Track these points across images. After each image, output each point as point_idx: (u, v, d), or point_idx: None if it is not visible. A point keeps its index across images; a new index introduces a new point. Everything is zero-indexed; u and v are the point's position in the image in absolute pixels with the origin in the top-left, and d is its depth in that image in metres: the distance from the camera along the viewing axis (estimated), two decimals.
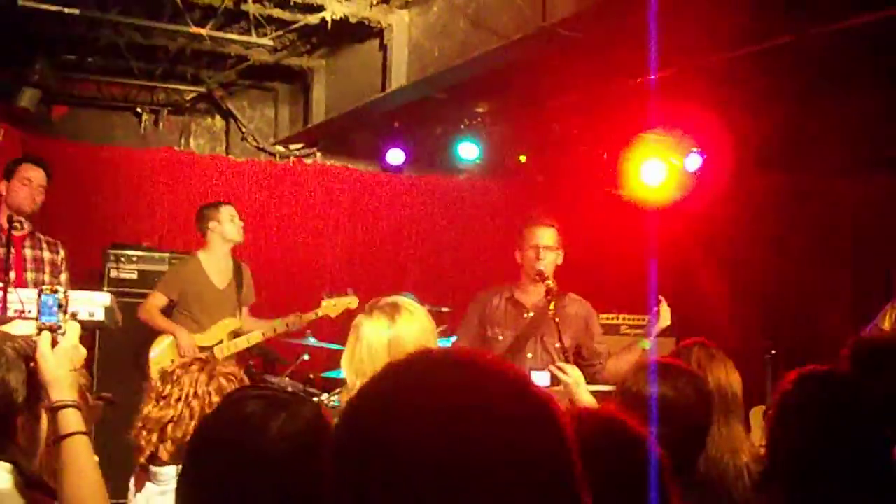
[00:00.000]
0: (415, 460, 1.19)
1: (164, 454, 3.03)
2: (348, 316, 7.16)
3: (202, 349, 6.89)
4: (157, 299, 7.35)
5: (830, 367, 3.02)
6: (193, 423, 2.96)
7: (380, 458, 1.21)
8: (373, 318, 3.62)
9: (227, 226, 7.43)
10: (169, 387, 3.06)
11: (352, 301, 7.51)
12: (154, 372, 6.79)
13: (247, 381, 3.21)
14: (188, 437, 2.92)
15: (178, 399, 3.03)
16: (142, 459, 3.09)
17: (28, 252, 6.39)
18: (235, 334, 7.39)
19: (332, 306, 7.49)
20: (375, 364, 3.38)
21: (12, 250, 6.17)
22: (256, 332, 7.42)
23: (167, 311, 7.38)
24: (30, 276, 6.27)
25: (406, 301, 3.74)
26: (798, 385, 2.82)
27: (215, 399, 2.99)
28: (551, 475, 1.24)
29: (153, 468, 3.05)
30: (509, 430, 1.22)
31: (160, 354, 7.11)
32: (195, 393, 3.03)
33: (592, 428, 1.83)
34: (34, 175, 6.40)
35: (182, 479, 2.06)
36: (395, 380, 1.31)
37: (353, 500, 1.23)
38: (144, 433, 3.05)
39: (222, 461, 1.97)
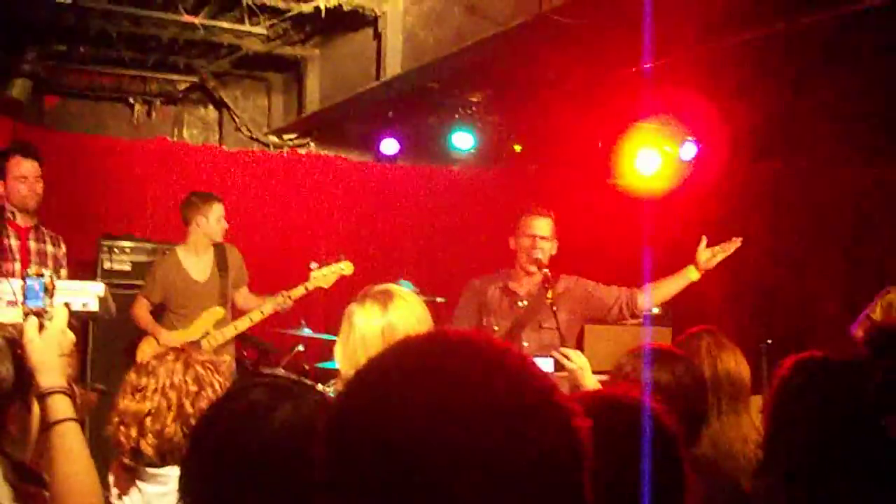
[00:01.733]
0: (407, 453, 1.14)
1: (146, 448, 2.91)
2: (343, 296, 7.11)
3: (190, 344, 6.82)
4: (142, 305, 7.27)
5: (827, 352, 2.99)
6: (172, 415, 2.89)
7: (370, 450, 1.17)
8: (365, 306, 3.57)
9: (214, 226, 7.30)
10: (145, 378, 2.97)
11: (345, 267, 7.38)
12: None
13: (225, 367, 3.13)
14: (167, 430, 2.88)
15: (155, 390, 2.93)
16: (125, 459, 3.01)
17: (32, 244, 6.32)
18: (221, 324, 7.31)
19: (322, 276, 7.32)
20: (369, 353, 3.29)
21: (16, 241, 6.12)
22: (244, 319, 7.29)
23: (157, 310, 7.32)
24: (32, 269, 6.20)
25: (398, 288, 3.69)
26: (795, 370, 2.80)
27: (193, 388, 2.93)
28: (551, 470, 1.18)
29: (150, 470, 2.97)
30: (508, 421, 1.17)
31: (144, 354, 7.02)
32: (171, 384, 2.93)
33: (605, 408, 1.80)
34: (27, 169, 6.27)
35: (185, 468, 2.03)
36: (388, 367, 1.26)
37: (345, 491, 1.19)
38: (122, 428, 2.95)
39: (226, 450, 1.93)
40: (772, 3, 6.04)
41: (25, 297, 2.77)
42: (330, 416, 1.26)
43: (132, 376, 3.01)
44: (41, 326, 2.67)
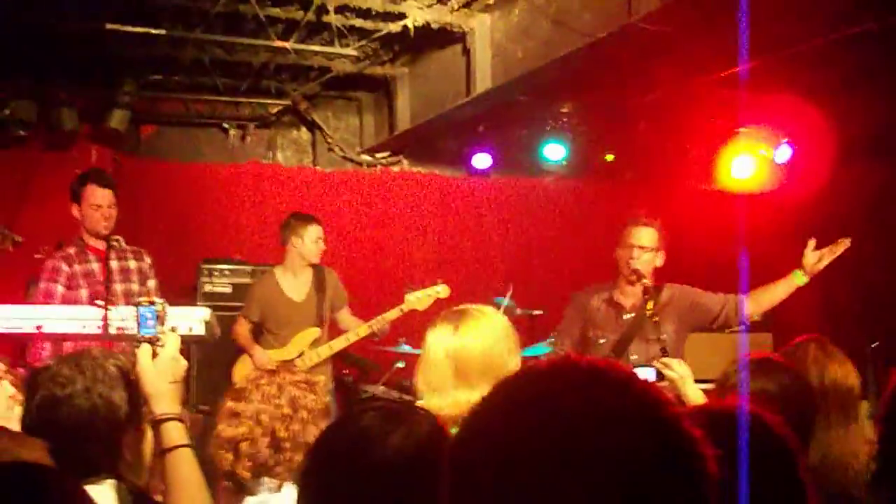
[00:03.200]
0: (531, 483, 1.14)
1: (242, 472, 2.99)
2: (425, 320, 7.14)
3: (284, 363, 6.85)
4: (242, 324, 7.40)
5: None
6: (266, 440, 2.96)
7: (495, 479, 1.17)
8: (436, 327, 3.53)
9: (310, 246, 7.36)
10: (241, 404, 3.04)
11: (441, 290, 7.38)
12: None
13: (320, 385, 3.17)
14: (260, 454, 2.95)
15: (249, 416, 3.00)
16: (225, 482, 3.08)
17: (114, 264, 6.39)
18: (317, 344, 7.37)
19: (416, 300, 7.34)
20: (439, 373, 3.31)
21: (97, 264, 6.24)
22: (339, 339, 7.33)
23: (256, 330, 7.41)
24: (118, 287, 6.28)
25: (476, 308, 3.60)
26: None
27: (287, 411, 2.99)
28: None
29: (251, 484, 3.02)
30: (634, 454, 1.16)
31: (239, 373, 7.13)
32: (265, 409, 3.01)
33: (723, 424, 1.77)
34: (101, 198, 6.32)
35: (301, 495, 2.05)
36: (513, 395, 1.26)
37: None
38: (221, 451, 3.04)
39: (341, 475, 1.95)
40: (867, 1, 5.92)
41: (139, 325, 2.83)
42: (454, 444, 1.27)
43: (228, 402, 3.07)
44: (154, 354, 2.73)
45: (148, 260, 6.65)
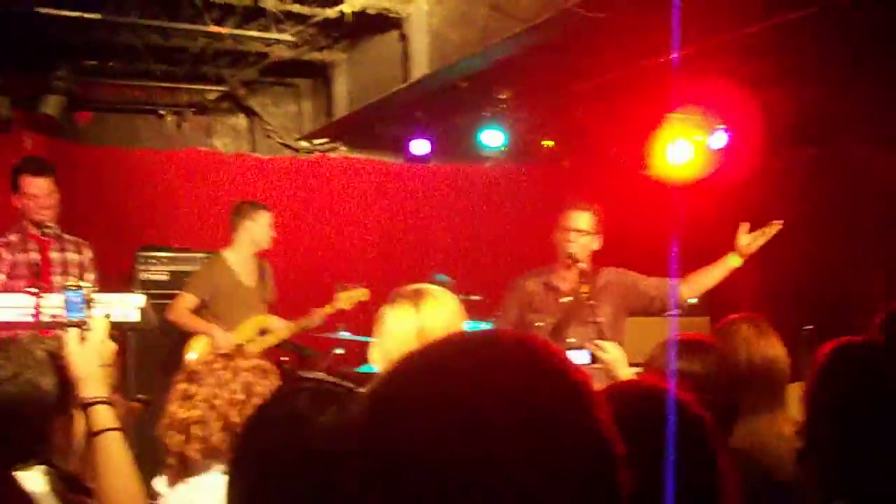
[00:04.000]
0: (433, 455, 1.14)
1: (192, 453, 2.98)
2: (380, 297, 7.17)
3: (238, 348, 6.82)
4: (187, 301, 7.27)
5: (865, 337, 2.96)
6: (219, 425, 2.95)
7: (401, 449, 1.17)
8: (396, 307, 3.53)
9: (262, 231, 7.37)
10: (193, 387, 3.02)
11: (362, 294, 7.59)
12: None
13: (274, 371, 3.17)
14: (213, 438, 2.94)
15: (202, 399, 2.98)
16: (172, 461, 3.07)
17: (55, 255, 6.32)
18: (264, 331, 7.38)
19: (346, 299, 7.55)
20: (404, 352, 3.32)
21: (37, 255, 6.16)
22: (284, 329, 7.41)
23: (195, 312, 7.35)
24: (57, 279, 6.20)
25: (430, 287, 3.64)
26: (834, 356, 2.77)
27: (240, 397, 2.97)
28: (582, 478, 1.16)
29: (199, 465, 3.03)
30: (536, 427, 1.15)
31: (197, 352, 7.05)
32: (219, 393, 2.99)
33: (634, 399, 1.79)
34: (37, 188, 6.20)
35: (230, 477, 2.04)
36: (418, 367, 1.27)
37: (379, 490, 1.19)
38: (171, 432, 3.03)
39: (270, 454, 1.94)
40: None
41: (67, 309, 2.81)
42: (361, 416, 1.26)
43: (182, 383, 3.05)
44: (82, 338, 2.71)
45: (89, 253, 6.56)
